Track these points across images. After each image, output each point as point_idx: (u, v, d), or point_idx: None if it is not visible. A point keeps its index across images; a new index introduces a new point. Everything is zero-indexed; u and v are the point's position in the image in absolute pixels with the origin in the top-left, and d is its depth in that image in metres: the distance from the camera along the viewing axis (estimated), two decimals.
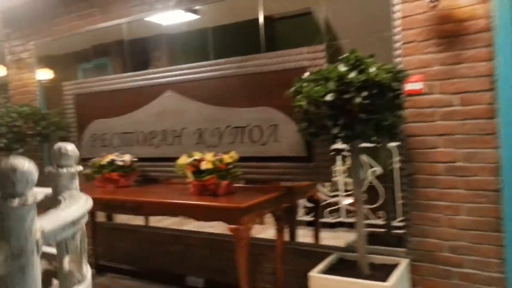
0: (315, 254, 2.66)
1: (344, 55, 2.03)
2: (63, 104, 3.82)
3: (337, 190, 3.61)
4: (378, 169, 3.38)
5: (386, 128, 1.94)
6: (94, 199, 2.81)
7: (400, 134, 2.29)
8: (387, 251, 2.45)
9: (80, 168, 1.18)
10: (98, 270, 3.68)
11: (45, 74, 4.66)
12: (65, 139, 3.79)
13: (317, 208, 3.04)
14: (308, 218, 3.36)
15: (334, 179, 3.22)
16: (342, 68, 1.93)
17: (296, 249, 2.76)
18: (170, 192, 2.79)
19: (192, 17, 3.42)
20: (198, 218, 2.40)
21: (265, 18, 2.91)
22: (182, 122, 3.06)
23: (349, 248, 2.55)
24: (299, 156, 2.58)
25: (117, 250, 3.70)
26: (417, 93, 2.27)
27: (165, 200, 2.50)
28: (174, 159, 2.97)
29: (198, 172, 2.53)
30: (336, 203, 3.74)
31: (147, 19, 3.41)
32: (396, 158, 2.44)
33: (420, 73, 2.25)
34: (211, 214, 2.32)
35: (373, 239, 2.71)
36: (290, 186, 2.67)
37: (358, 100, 1.84)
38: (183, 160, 2.61)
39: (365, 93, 1.85)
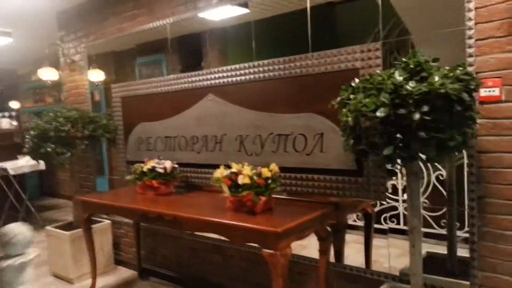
0: (364, 280, 2.37)
1: (402, 59, 1.69)
2: (112, 106, 3.81)
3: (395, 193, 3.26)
4: (443, 173, 2.98)
5: (451, 149, 1.59)
6: (133, 210, 2.74)
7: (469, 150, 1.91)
8: (449, 283, 2.09)
9: (32, 256, 1.01)
10: (141, 273, 3.65)
11: (97, 75, 4.71)
12: (113, 141, 3.79)
13: (369, 224, 2.71)
14: (361, 223, 3.05)
15: (392, 182, 2.89)
16: (398, 76, 1.60)
17: (343, 272, 2.48)
18: (208, 204, 2.62)
19: (243, 10, 3.23)
20: (232, 239, 2.20)
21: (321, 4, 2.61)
22: (223, 128, 2.88)
23: (403, 277, 2.23)
24: (347, 170, 2.28)
25: (160, 254, 3.64)
26: (494, 101, 1.86)
27: (199, 217, 2.32)
28: (215, 166, 2.81)
29: (235, 186, 2.33)
30: (394, 208, 3.39)
31: (200, 15, 3.22)
32: (465, 159, 2.03)
33: (498, 76, 1.84)
34: (245, 236, 2.11)
35: (431, 261, 2.36)
36: (337, 201, 2.38)
37: (417, 116, 1.52)
38: (220, 172, 2.42)
39: (426, 108, 1.52)
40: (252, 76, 2.68)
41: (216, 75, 2.90)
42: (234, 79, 2.79)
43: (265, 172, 2.29)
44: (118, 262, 3.95)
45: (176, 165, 3.07)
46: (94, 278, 3.29)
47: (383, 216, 3.34)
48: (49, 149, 3.45)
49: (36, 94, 7.92)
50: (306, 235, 2.18)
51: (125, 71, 5.41)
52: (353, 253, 2.79)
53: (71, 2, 4.05)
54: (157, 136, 3.38)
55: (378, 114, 1.58)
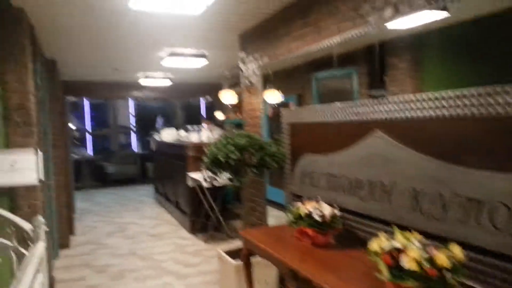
0: None
1: None
2: (282, 132, 3.62)
3: None
4: None
5: None
6: (282, 263, 2.42)
7: None
8: None
9: None
10: None
11: (273, 97, 4.62)
12: (281, 169, 3.59)
13: None
14: None
15: None
16: None
17: None
18: (367, 279, 2.05)
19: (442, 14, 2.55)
20: None
21: None
22: (393, 175, 2.26)
23: None
24: None
25: None
26: None
27: None
28: (382, 221, 2.28)
29: (397, 268, 1.73)
30: None
31: (388, 25, 2.67)
32: None
33: None
34: None
35: None
36: None
37: None
38: (379, 244, 1.84)
39: None
40: (432, 113, 1.98)
41: (385, 107, 2.29)
42: (407, 114, 2.13)
43: (441, 259, 1.61)
44: None
45: (338, 212, 2.61)
46: None
47: None
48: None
49: (234, 106, 8.60)
50: None
51: (308, 86, 5.18)
52: None
53: (250, 22, 4.00)
54: (320, 172, 2.98)
55: None
